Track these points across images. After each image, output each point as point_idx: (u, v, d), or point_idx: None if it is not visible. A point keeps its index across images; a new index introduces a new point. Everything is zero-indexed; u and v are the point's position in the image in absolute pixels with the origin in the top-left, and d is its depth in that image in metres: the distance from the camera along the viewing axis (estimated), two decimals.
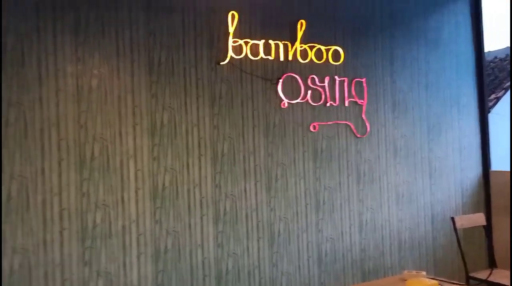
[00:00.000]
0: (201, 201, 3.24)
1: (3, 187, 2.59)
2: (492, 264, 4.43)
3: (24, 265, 2.64)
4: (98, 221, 2.86)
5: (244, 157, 3.44)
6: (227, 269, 3.29)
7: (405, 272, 2.53)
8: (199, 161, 3.25)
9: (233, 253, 3.33)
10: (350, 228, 3.92)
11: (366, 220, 4.02)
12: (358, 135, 4.02)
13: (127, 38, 3.03)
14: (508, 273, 3.49)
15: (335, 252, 3.83)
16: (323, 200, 3.80)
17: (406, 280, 2.49)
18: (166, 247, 3.08)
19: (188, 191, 3.19)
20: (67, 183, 2.78)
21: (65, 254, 2.75)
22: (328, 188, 3.83)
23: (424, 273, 2.46)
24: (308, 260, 3.68)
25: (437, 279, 2.30)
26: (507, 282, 3.18)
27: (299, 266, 3.63)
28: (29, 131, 2.70)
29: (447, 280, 2.45)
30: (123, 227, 2.94)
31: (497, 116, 5.36)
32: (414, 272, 2.51)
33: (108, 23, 2.97)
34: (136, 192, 3.00)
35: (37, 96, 2.73)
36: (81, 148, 2.84)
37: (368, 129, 4.06)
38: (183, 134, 3.19)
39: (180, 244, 3.13)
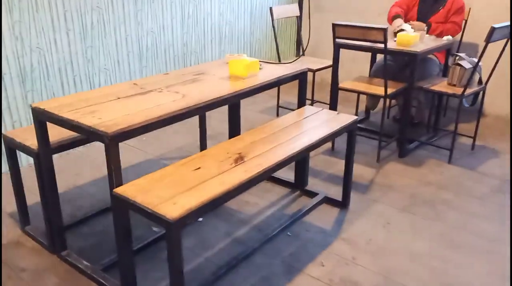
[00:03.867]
0: None
1: None
2: (299, 54, 4.96)
3: None
4: None
5: None
6: (31, 65, 2.85)
7: (227, 55, 2.55)
8: None
9: (37, 47, 2.86)
10: (172, 21, 3.71)
11: (188, 13, 3.83)
12: None
13: None
14: (312, 59, 3.92)
15: (157, 47, 3.66)
16: None
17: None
18: None
19: None
20: None
21: None
22: None
23: (245, 55, 2.52)
24: (128, 55, 3.45)
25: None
26: (312, 67, 3.58)
27: (118, 61, 3.39)
28: None
29: (264, 61, 2.58)
30: None
31: None
32: (235, 54, 2.54)
33: None
34: None
35: None
36: None
37: None
38: None
39: None
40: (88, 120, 1.64)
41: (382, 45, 2.80)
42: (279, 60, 3.81)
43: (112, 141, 1.55)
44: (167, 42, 3.73)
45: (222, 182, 1.65)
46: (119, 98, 1.91)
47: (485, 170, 2.95)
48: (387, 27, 2.74)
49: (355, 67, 4.39)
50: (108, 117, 1.67)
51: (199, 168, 1.77)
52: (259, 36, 4.63)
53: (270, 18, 3.67)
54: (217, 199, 1.58)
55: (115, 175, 1.59)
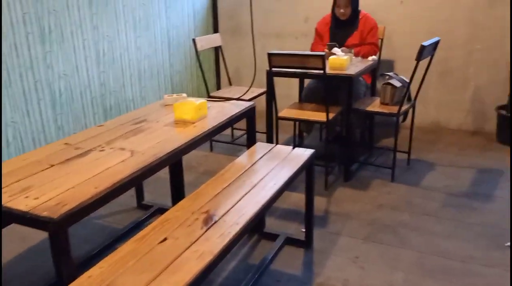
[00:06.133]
0: None
1: None
2: (218, 85, 4.83)
3: None
4: None
5: None
6: None
7: (166, 96, 2.31)
8: None
9: None
10: (86, 60, 3.35)
11: (103, 50, 3.50)
12: None
13: None
14: (240, 88, 3.79)
15: (72, 90, 3.26)
16: (49, 27, 3.01)
17: (168, 104, 2.29)
18: None
19: None
20: None
21: None
22: (53, 11, 3.02)
23: (184, 95, 2.31)
24: (38, 103, 3.02)
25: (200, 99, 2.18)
26: (244, 97, 3.44)
27: (27, 111, 2.95)
28: None
29: (209, 99, 2.38)
30: None
31: None
32: (174, 95, 2.32)
33: None
34: None
35: None
36: None
37: None
38: None
39: None
40: (21, 202, 1.31)
41: (320, 71, 2.76)
42: (208, 94, 3.63)
43: (61, 229, 1.24)
44: (83, 84, 3.35)
45: (199, 255, 1.41)
46: (52, 165, 1.59)
47: (428, 185, 3.02)
48: (325, 53, 2.71)
49: (276, 91, 4.36)
50: (48, 195, 1.35)
51: (165, 239, 1.51)
52: (179, 68, 4.41)
53: (189, 50, 3.49)
54: (199, 278, 1.33)
55: (66, 269, 1.27)
